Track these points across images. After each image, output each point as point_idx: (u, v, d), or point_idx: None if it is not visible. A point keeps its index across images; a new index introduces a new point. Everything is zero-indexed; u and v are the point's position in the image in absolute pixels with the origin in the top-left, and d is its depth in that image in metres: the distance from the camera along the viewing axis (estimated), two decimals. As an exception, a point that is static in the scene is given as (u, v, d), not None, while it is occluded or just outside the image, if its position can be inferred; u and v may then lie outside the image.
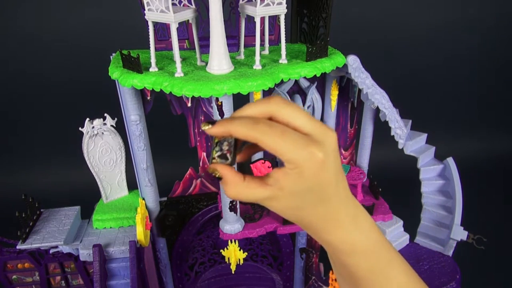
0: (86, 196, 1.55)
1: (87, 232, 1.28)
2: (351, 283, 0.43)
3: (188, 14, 0.98)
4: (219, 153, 0.38)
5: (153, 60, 1.01)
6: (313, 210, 0.38)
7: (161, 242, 1.42)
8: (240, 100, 1.11)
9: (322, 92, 1.31)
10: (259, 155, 1.25)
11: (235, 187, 0.38)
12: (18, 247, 1.18)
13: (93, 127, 1.24)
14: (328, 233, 0.40)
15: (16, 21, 2.39)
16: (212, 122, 0.37)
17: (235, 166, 0.40)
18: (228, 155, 0.38)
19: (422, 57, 2.85)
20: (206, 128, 0.38)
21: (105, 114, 1.25)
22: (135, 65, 0.99)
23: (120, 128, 1.28)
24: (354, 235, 0.40)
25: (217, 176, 0.38)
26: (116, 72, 1.02)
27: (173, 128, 2.02)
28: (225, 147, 0.38)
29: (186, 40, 1.17)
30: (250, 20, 1.12)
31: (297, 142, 0.34)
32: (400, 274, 0.43)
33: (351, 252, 0.41)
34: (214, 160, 0.38)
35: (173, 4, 0.97)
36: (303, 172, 0.35)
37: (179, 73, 0.98)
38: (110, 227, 1.30)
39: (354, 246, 0.40)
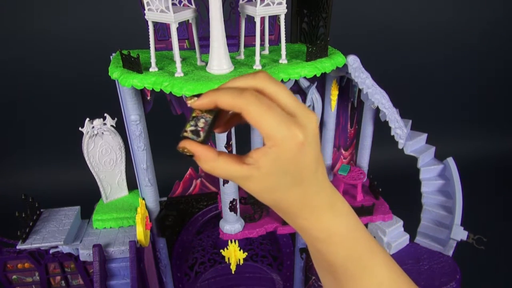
0: (86, 196, 1.56)
1: (87, 232, 1.28)
2: (329, 272, 0.42)
3: (188, 14, 0.98)
4: (192, 127, 0.37)
5: (153, 60, 1.01)
6: (289, 193, 0.38)
7: (161, 242, 1.42)
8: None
9: (322, 92, 1.31)
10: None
11: (209, 162, 0.37)
12: (18, 247, 1.18)
13: (93, 127, 1.24)
14: (303, 218, 0.39)
15: (15, 21, 2.39)
16: (198, 96, 0.37)
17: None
18: (201, 132, 0.37)
19: (422, 57, 2.85)
20: (192, 101, 0.37)
21: (105, 114, 1.25)
22: (135, 65, 0.99)
23: (120, 128, 1.28)
24: (330, 221, 0.40)
25: (187, 154, 0.37)
26: (116, 72, 1.02)
27: (173, 128, 2.02)
28: (200, 124, 0.37)
29: (186, 40, 1.17)
30: (250, 20, 1.12)
31: (281, 119, 0.34)
32: (380, 265, 0.42)
33: (327, 238, 0.40)
34: (185, 133, 0.37)
35: (173, 4, 0.97)
36: (281, 151, 0.34)
37: (179, 73, 0.98)
38: (110, 227, 1.30)
39: (330, 232, 0.40)
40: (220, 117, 0.39)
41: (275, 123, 0.34)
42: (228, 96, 0.35)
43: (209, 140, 0.38)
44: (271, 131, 0.34)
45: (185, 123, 0.38)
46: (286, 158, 0.35)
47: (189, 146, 0.37)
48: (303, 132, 0.34)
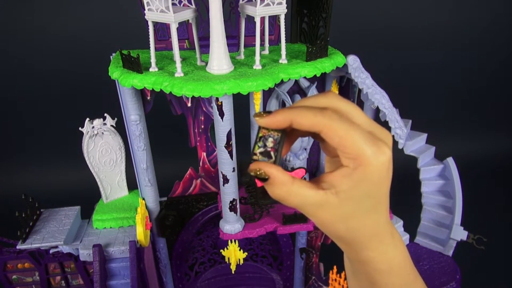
0: (86, 196, 1.55)
1: (87, 232, 1.28)
2: None
3: (188, 14, 0.98)
4: (261, 149, 0.34)
5: (153, 60, 1.01)
6: (365, 221, 0.34)
7: (161, 242, 1.42)
8: (240, 100, 1.11)
9: (322, 92, 1.31)
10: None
11: (285, 186, 0.33)
12: (18, 247, 1.18)
13: (93, 127, 1.24)
14: (371, 250, 0.36)
15: (15, 21, 2.39)
16: (266, 113, 0.34)
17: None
18: (272, 153, 0.34)
19: (422, 57, 2.85)
20: (261, 118, 0.33)
21: (105, 114, 1.25)
22: (135, 65, 0.98)
23: (120, 128, 1.28)
24: (392, 252, 0.37)
25: (260, 176, 0.33)
26: (116, 72, 1.02)
27: (173, 128, 2.02)
28: (269, 143, 0.34)
29: (186, 40, 1.17)
30: (250, 20, 1.12)
31: (366, 137, 0.31)
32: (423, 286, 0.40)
33: (389, 269, 0.37)
34: (255, 157, 0.34)
35: (173, 4, 0.97)
36: (367, 171, 0.31)
37: (179, 73, 0.98)
38: (110, 227, 1.30)
39: (392, 263, 0.37)
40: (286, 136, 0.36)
41: (361, 141, 0.31)
42: (308, 114, 0.32)
43: (280, 161, 0.34)
44: (358, 149, 0.31)
45: (253, 146, 0.35)
46: (373, 178, 0.32)
47: (264, 167, 0.33)
48: (388, 147, 0.32)
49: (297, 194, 0.33)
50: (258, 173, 0.33)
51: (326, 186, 0.33)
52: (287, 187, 0.33)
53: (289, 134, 0.36)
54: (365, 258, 0.37)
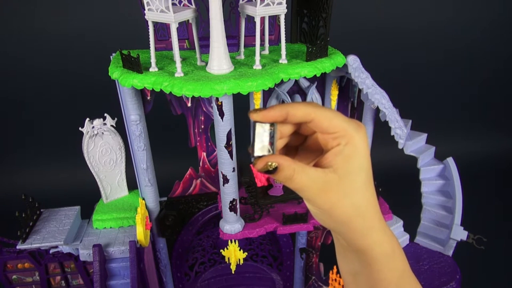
0: (86, 196, 1.55)
1: (87, 232, 1.28)
2: None
3: (188, 14, 0.98)
4: (259, 145, 0.38)
5: (153, 60, 1.01)
6: (365, 192, 0.38)
7: (161, 242, 1.42)
8: (240, 100, 1.11)
9: (322, 92, 1.31)
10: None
11: (290, 167, 0.36)
12: (18, 247, 1.18)
13: (93, 127, 1.24)
14: (376, 229, 0.39)
15: (15, 21, 2.39)
16: (261, 109, 0.38)
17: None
18: (269, 147, 0.38)
19: (422, 57, 2.85)
20: (257, 114, 0.37)
21: (105, 114, 1.25)
22: (135, 65, 0.99)
23: (120, 128, 1.28)
24: (391, 237, 0.40)
25: (270, 168, 0.37)
26: (116, 72, 1.02)
27: (173, 128, 2.02)
28: (265, 138, 0.38)
29: (186, 40, 1.17)
30: (250, 20, 1.12)
31: (346, 118, 0.37)
32: (413, 276, 0.42)
33: (393, 252, 0.40)
34: (256, 153, 0.37)
35: (173, 4, 0.97)
36: (355, 144, 0.36)
37: (179, 73, 0.98)
38: (110, 227, 1.30)
39: (394, 245, 0.40)
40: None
41: (345, 122, 0.37)
42: (300, 106, 0.37)
43: (276, 151, 0.39)
44: (345, 128, 0.36)
45: (251, 144, 0.38)
46: (360, 151, 0.37)
47: (272, 159, 0.37)
48: (363, 126, 0.38)
49: (302, 173, 0.37)
50: (269, 166, 0.36)
51: (325, 164, 0.38)
52: (292, 167, 0.37)
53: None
54: (371, 241, 0.39)
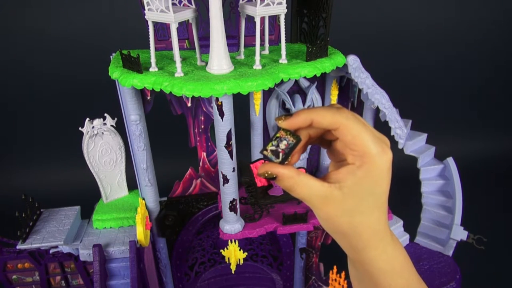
0: (86, 196, 1.55)
1: (87, 232, 1.28)
2: None
3: (188, 14, 0.98)
4: (273, 147, 0.37)
5: (153, 60, 1.01)
6: (367, 216, 0.37)
7: (161, 242, 1.42)
8: (240, 100, 1.11)
9: (322, 92, 1.31)
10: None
11: (291, 179, 0.36)
12: (18, 247, 1.18)
13: (93, 127, 1.24)
14: (373, 247, 0.38)
15: (15, 21, 2.39)
16: (288, 116, 0.37)
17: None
18: (281, 154, 0.37)
19: (422, 57, 2.85)
20: (283, 121, 0.37)
21: (105, 114, 1.25)
22: (135, 65, 0.98)
23: (120, 128, 1.28)
24: (394, 251, 0.39)
25: (269, 177, 0.37)
26: (116, 72, 1.02)
27: (173, 128, 2.02)
28: (282, 145, 0.37)
29: (186, 40, 1.17)
30: (250, 20, 1.12)
31: (375, 137, 0.35)
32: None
33: (392, 269, 0.39)
34: (265, 152, 0.37)
35: (173, 4, 0.97)
36: (371, 169, 0.34)
37: (179, 73, 0.98)
38: (110, 227, 1.30)
39: (394, 262, 0.39)
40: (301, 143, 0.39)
41: (370, 141, 0.34)
42: (327, 113, 0.35)
43: (285, 163, 0.38)
44: (366, 148, 0.34)
45: (268, 142, 0.38)
46: (375, 176, 0.35)
47: (270, 169, 0.37)
48: (390, 151, 0.35)
49: (303, 185, 0.36)
50: (266, 175, 0.37)
51: (331, 181, 0.36)
52: (293, 179, 0.36)
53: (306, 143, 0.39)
54: (367, 257, 0.38)
